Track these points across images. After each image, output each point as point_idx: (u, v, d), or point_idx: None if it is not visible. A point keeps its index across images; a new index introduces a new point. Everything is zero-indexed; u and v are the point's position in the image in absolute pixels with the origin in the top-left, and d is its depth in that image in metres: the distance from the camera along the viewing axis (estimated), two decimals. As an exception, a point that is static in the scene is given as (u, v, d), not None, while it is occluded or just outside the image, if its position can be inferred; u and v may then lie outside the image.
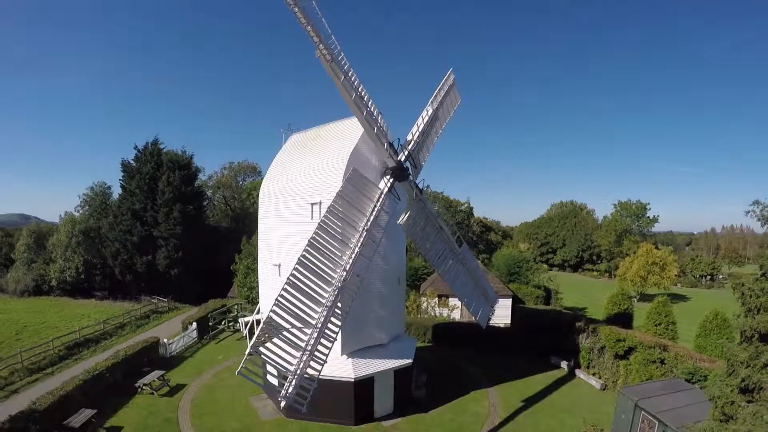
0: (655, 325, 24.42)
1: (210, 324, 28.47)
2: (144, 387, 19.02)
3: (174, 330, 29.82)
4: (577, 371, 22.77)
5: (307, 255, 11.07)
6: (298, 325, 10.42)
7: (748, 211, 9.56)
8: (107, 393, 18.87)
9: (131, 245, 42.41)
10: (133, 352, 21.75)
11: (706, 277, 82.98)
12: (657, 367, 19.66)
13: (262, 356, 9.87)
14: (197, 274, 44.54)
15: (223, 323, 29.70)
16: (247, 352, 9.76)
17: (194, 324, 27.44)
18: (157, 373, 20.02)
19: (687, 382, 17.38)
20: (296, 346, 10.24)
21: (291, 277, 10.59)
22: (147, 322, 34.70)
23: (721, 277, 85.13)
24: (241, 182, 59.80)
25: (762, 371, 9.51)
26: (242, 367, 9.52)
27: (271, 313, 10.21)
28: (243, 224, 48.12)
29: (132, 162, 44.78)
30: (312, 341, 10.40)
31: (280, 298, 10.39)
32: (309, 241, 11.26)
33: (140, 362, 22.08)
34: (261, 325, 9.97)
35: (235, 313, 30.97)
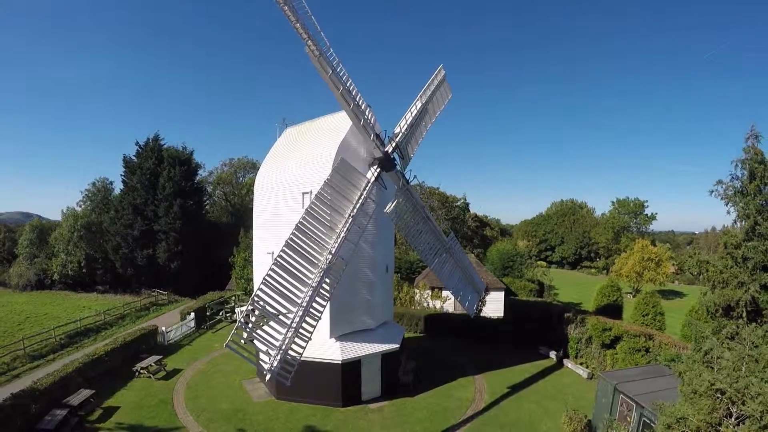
0: (643, 316, 24.91)
1: (207, 314, 29.13)
2: (141, 371, 19.67)
3: (173, 321, 30.38)
4: (565, 361, 23.22)
5: (294, 238, 11.64)
6: (284, 303, 10.98)
7: (712, 191, 9.82)
8: (106, 376, 19.55)
9: (132, 239, 43.11)
10: (132, 339, 22.39)
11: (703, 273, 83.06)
12: (642, 356, 20.11)
13: (249, 331, 10.44)
14: (197, 268, 45.22)
15: (220, 313, 30.37)
16: (235, 327, 10.32)
17: (192, 314, 28.09)
18: (154, 357, 20.67)
19: (668, 369, 17.86)
20: (282, 323, 10.80)
21: (278, 258, 11.16)
22: (147, 314, 35.36)
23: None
24: (240, 178, 60.47)
25: (724, 344, 9.99)
26: (230, 340, 10.08)
27: (259, 291, 10.79)
28: (242, 219, 48.79)
29: (133, 158, 45.47)
30: (297, 319, 10.96)
31: (267, 278, 10.95)
32: (297, 225, 11.82)
33: (139, 348, 22.73)
34: (249, 302, 10.54)
35: (233, 304, 31.63)
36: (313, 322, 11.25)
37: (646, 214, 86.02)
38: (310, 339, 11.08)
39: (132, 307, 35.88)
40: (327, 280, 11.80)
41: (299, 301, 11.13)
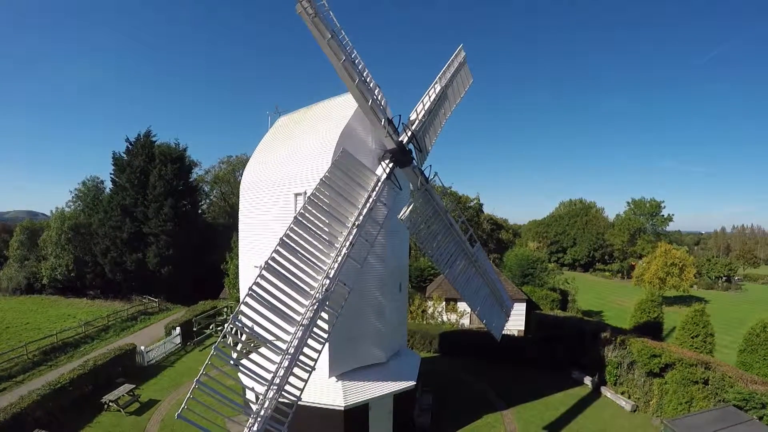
0: (692, 338, 21.61)
1: (194, 329, 26.18)
2: (110, 403, 16.79)
3: (159, 334, 27.69)
4: (602, 389, 20.10)
5: (277, 257, 8.55)
6: (263, 351, 7.93)
7: None
8: (72, 408, 16.97)
9: (121, 242, 40.37)
10: (104, 362, 19.56)
11: (722, 278, 79.32)
12: (699, 389, 16.91)
13: (212, 395, 7.39)
14: (190, 273, 42.41)
15: (210, 327, 27.40)
16: (192, 389, 7.27)
17: (178, 329, 25.16)
18: (126, 387, 17.78)
19: (741, 411, 14.67)
20: (261, 379, 7.74)
21: (255, 287, 8.05)
22: (133, 325, 32.64)
23: (737, 278, 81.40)
24: (239, 177, 57.58)
25: None
26: (184, 407, 7.05)
27: (226, 335, 7.74)
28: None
29: (123, 155, 42.73)
30: (282, 371, 7.89)
31: (240, 316, 7.90)
32: (281, 239, 8.72)
33: (114, 372, 20.02)
34: (211, 353, 7.48)
35: (224, 316, 28.69)
36: (305, 375, 8.16)
37: (663, 215, 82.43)
38: (299, 399, 7.99)
39: (119, 317, 33.24)
40: (323, 315, 8.70)
41: (284, 347, 8.05)
